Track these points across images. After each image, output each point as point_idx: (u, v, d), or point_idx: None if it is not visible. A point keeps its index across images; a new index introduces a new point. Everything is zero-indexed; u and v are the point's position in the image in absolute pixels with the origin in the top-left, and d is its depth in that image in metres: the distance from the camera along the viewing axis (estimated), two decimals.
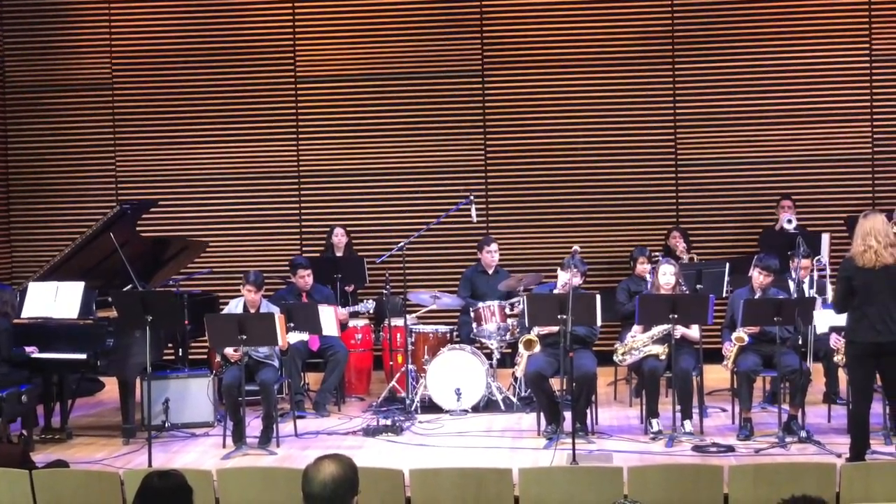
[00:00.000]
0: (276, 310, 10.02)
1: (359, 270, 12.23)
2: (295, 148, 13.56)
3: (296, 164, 13.56)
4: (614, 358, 10.10)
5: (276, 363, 10.07)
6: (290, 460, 9.10)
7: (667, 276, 9.94)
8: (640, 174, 13.26)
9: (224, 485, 7.69)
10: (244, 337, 9.42)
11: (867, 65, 13.04)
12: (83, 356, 9.89)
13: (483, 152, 13.40)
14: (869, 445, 8.54)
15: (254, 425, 9.94)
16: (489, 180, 13.38)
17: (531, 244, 13.27)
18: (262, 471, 8.21)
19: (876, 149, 13.06)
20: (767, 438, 9.36)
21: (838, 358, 9.77)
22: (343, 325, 11.43)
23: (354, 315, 11.73)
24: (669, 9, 13.19)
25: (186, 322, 10.72)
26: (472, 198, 11.71)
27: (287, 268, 11.88)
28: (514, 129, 13.35)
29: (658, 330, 9.78)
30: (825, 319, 9.57)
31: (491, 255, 11.84)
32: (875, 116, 13.07)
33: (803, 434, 9.31)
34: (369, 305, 11.67)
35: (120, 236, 10.36)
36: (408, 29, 13.39)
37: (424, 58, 13.39)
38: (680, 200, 13.24)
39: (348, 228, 12.86)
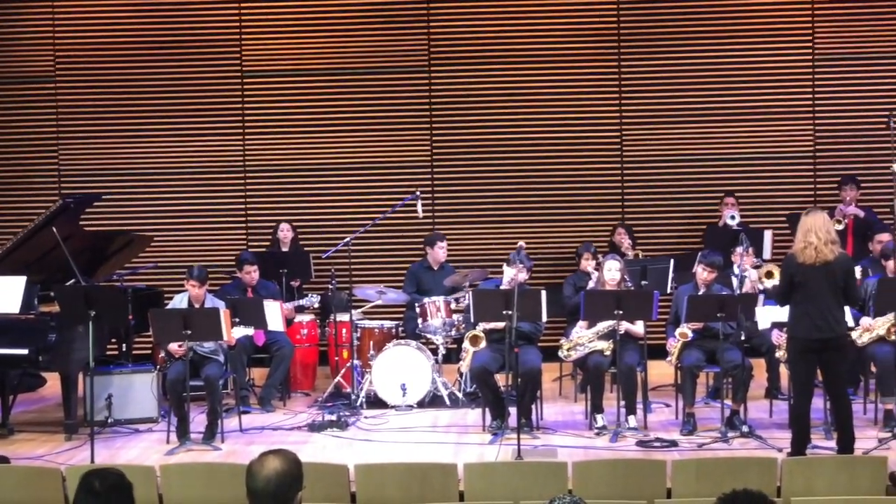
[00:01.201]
0: (221, 305, 9.98)
1: (304, 265, 12.21)
2: (241, 143, 13.50)
3: (242, 159, 13.50)
4: (560, 353, 10.14)
5: (221, 358, 10.03)
6: (235, 456, 9.07)
7: (612, 271, 9.99)
8: (585, 171, 13.31)
9: (167, 481, 7.66)
10: (189, 332, 9.38)
11: (810, 64, 13.16)
12: (25, 351, 9.79)
13: (429, 148, 13.41)
14: (810, 440, 8.64)
15: (198, 421, 9.90)
16: (435, 176, 13.39)
17: (477, 240, 13.29)
18: (206, 466, 8.19)
19: (818, 147, 13.20)
20: (710, 433, 9.44)
21: (780, 354, 9.88)
22: (289, 321, 11.40)
23: (300, 310, 11.71)
24: (615, 6, 13.25)
25: (130, 317, 10.65)
26: (418, 194, 11.71)
27: (233, 263, 11.83)
28: (460, 125, 13.37)
29: (603, 326, 9.83)
30: (767, 315, 9.65)
31: (441, 252, 11.87)
32: (817, 115, 13.20)
33: (745, 429, 9.40)
34: (314, 300, 11.64)
35: (63, 230, 10.26)
36: (354, 24, 13.36)
37: (371, 53, 13.37)
38: (625, 197, 13.32)
39: (294, 223, 12.82)
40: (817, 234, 8.40)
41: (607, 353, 9.76)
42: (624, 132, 13.29)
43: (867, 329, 9.67)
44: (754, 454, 8.66)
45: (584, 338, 9.91)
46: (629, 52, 13.26)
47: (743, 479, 6.89)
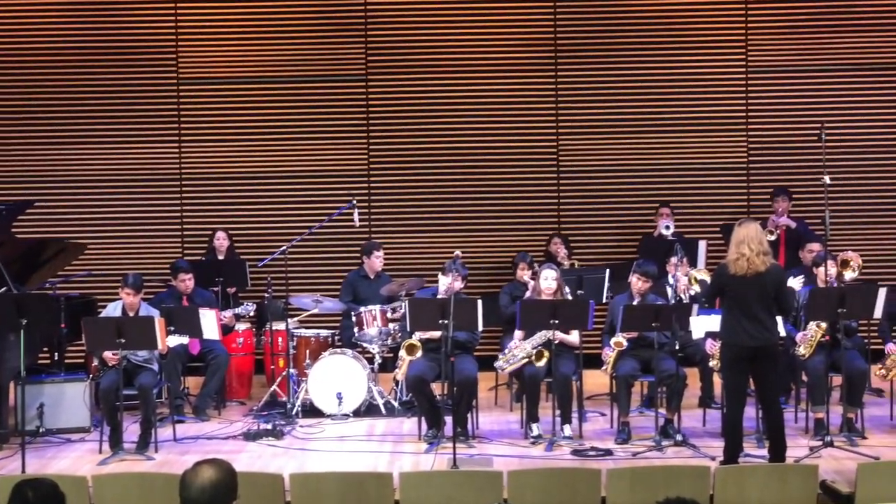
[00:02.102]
0: (155, 313, 9.91)
1: (240, 274, 12.16)
2: (177, 150, 13.41)
3: (178, 166, 13.41)
4: (495, 364, 10.16)
5: (156, 367, 9.95)
6: (169, 465, 9.00)
7: (548, 281, 10.02)
8: (522, 180, 13.36)
9: (99, 491, 7.58)
10: (122, 340, 9.29)
11: (743, 76, 13.31)
12: None
13: (366, 157, 13.39)
14: (742, 448, 8.72)
15: (131, 430, 9.81)
16: (372, 185, 13.38)
17: (413, 249, 13.29)
18: (140, 476, 8.12)
19: (751, 158, 13.34)
20: (644, 442, 9.50)
21: (713, 363, 9.96)
22: (225, 329, 11.33)
23: (236, 318, 11.64)
24: (552, 16, 13.32)
25: (63, 325, 10.55)
26: (354, 202, 11.71)
27: (168, 271, 11.74)
28: (397, 133, 13.37)
29: (539, 337, 9.86)
30: (701, 325, 9.73)
31: (378, 261, 11.86)
32: (750, 127, 13.34)
33: (679, 437, 9.46)
34: (250, 308, 11.59)
35: None
36: (292, 32, 13.32)
37: (308, 61, 13.34)
38: (561, 207, 13.38)
39: (230, 232, 12.76)
40: (749, 246, 8.49)
41: (539, 364, 9.77)
42: (560, 142, 13.36)
43: (802, 340, 9.78)
44: (688, 462, 8.72)
45: (521, 351, 9.92)
46: (566, 62, 13.33)
47: (676, 487, 6.94)
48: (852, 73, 13.22)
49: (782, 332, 9.18)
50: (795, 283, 9.97)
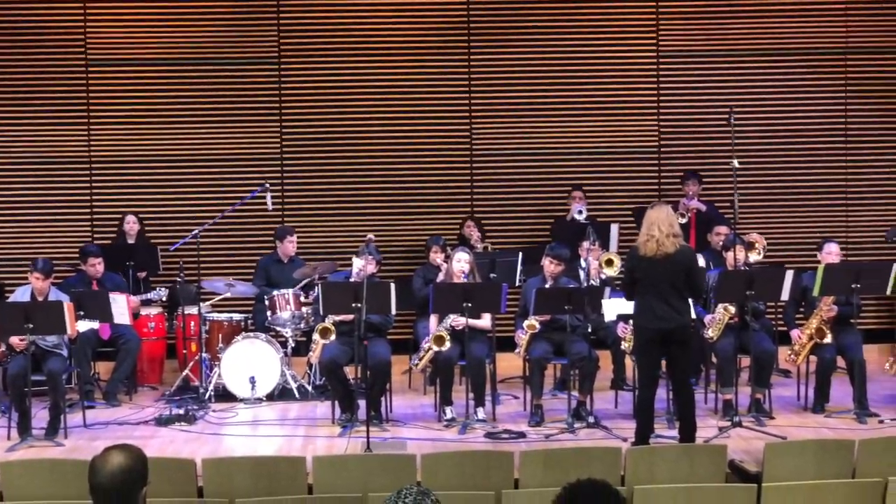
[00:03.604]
0: (65, 298, 9.78)
1: (151, 258, 12.04)
2: (86, 133, 13.20)
3: (87, 149, 13.21)
4: (411, 364, 10.24)
5: (65, 352, 9.84)
6: (79, 452, 8.90)
7: (460, 263, 10.05)
8: (435, 164, 13.36)
9: (8, 478, 7.49)
10: (31, 325, 9.17)
11: (654, 61, 13.42)
12: None
13: (279, 140, 13.31)
14: (653, 429, 8.82)
15: (40, 416, 9.68)
16: (285, 168, 13.30)
17: (326, 232, 13.24)
18: (49, 463, 8.02)
19: (662, 142, 13.46)
20: (557, 424, 9.57)
21: (625, 345, 10.07)
22: (135, 314, 11.22)
23: (147, 303, 11.54)
24: (465, 1, 13.31)
25: None
26: (267, 186, 11.64)
27: (77, 255, 11.59)
28: (310, 117, 13.30)
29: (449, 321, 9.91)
30: (613, 308, 9.82)
31: (291, 245, 11.82)
32: (662, 111, 13.45)
33: (591, 419, 9.56)
34: (161, 293, 11.49)
35: None
36: (204, 14, 13.18)
37: (221, 44, 13.20)
38: (474, 190, 13.40)
39: (141, 215, 12.61)
40: (660, 228, 8.57)
41: (440, 347, 9.79)
42: (473, 126, 13.38)
43: (711, 323, 9.92)
44: (600, 444, 8.81)
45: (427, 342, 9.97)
46: (479, 45, 13.34)
47: (588, 468, 7.02)
48: (761, 58, 13.38)
49: (693, 315, 9.29)
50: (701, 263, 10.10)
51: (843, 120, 13.48)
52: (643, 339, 8.75)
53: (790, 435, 9.11)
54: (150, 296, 11.48)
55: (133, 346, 10.96)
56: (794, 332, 10.25)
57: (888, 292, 10.30)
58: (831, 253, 10.30)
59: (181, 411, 10.12)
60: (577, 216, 12.31)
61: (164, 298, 11.65)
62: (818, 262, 10.26)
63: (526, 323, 9.96)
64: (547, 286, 10.05)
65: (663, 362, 9.00)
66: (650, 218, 8.65)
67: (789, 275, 9.91)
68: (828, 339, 9.97)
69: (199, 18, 13.16)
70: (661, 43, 13.41)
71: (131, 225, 12.39)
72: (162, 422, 9.91)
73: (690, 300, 8.86)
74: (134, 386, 11.31)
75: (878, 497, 7.38)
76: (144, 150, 13.19)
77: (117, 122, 13.18)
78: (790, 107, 13.44)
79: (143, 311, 11.61)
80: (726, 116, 10.38)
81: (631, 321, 9.54)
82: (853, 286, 9.78)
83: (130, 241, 12.35)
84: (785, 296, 10.00)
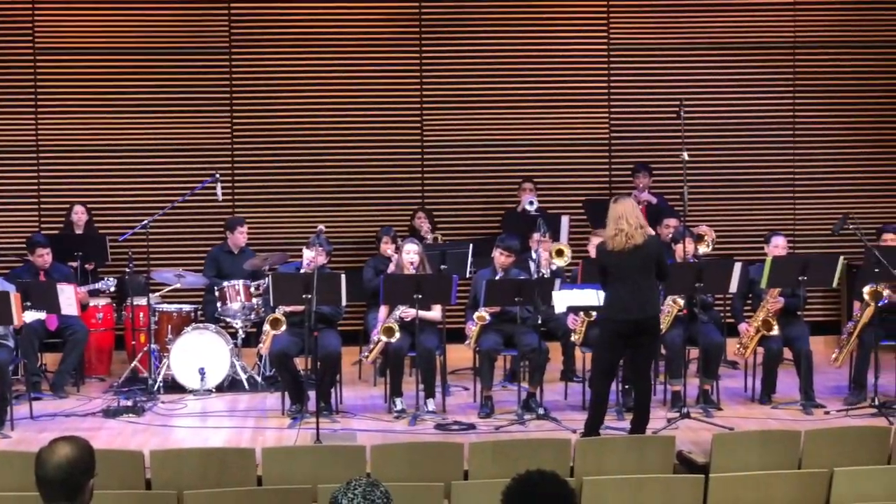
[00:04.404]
0: (11, 288, 9.69)
1: (100, 248, 11.96)
2: (33, 122, 13.06)
3: (34, 138, 13.07)
4: (361, 357, 10.23)
5: (11, 343, 9.76)
6: (26, 443, 8.81)
7: (411, 255, 10.04)
8: (386, 155, 13.34)
9: None
10: None
11: (605, 53, 13.46)
12: None
13: (230, 130, 13.24)
14: (603, 421, 8.86)
15: None
16: (235, 158, 13.24)
17: (277, 223, 13.19)
18: None
19: (613, 134, 13.52)
20: (507, 416, 9.60)
21: (575, 337, 10.11)
22: (83, 305, 11.14)
23: (95, 294, 11.46)
24: None
25: None
26: (217, 176, 11.58)
27: (24, 245, 11.47)
28: (261, 107, 13.24)
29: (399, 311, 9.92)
30: (563, 300, 9.85)
31: (242, 236, 11.77)
32: (612, 103, 13.50)
33: (541, 411, 9.58)
34: (110, 283, 11.41)
35: None
36: (154, 3, 13.07)
37: (171, 33, 13.10)
38: (425, 181, 13.40)
39: (89, 205, 12.52)
40: (628, 220, 8.61)
41: (390, 338, 9.79)
42: (424, 117, 13.37)
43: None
44: (549, 436, 8.84)
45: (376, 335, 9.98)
46: (430, 37, 13.33)
47: (537, 459, 7.01)
48: (711, 52, 13.46)
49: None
50: None
51: (790, 114, 13.60)
52: (610, 331, 8.75)
53: (737, 426, 9.19)
54: (98, 286, 11.39)
55: (81, 338, 10.88)
56: (742, 326, 10.33)
57: (834, 285, 10.42)
58: (778, 246, 10.39)
59: (129, 403, 10.06)
60: (527, 207, 12.34)
61: (112, 289, 11.57)
62: (766, 254, 10.35)
63: (476, 314, 9.98)
64: (497, 278, 10.07)
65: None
66: (617, 212, 8.67)
67: (737, 267, 9.98)
68: (775, 331, 10.06)
69: (150, 7, 13.05)
70: (611, 36, 13.45)
71: (79, 215, 12.30)
72: (110, 413, 9.85)
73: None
74: (81, 377, 11.23)
75: (824, 487, 7.46)
76: (93, 140, 13.08)
77: (65, 111, 13.06)
78: (739, 100, 13.53)
79: (92, 302, 11.53)
80: (676, 109, 10.42)
81: (582, 314, 9.60)
82: (800, 278, 9.88)
83: (78, 231, 12.26)
84: (733, 288, 10.08)
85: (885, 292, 9.98)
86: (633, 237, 8.59)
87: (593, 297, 9.38)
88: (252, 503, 7.25)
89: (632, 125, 13.49)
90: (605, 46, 13.45)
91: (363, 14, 13.25)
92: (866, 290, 10.02)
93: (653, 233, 8.88)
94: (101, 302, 11.72)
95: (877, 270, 9.80)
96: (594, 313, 9.65)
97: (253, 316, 11.11)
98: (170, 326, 11.13)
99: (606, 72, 13.47)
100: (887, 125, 13.66)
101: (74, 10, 13.03)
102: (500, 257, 10.15)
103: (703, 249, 10.54)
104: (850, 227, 10.28)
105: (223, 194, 11.77)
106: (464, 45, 13.34)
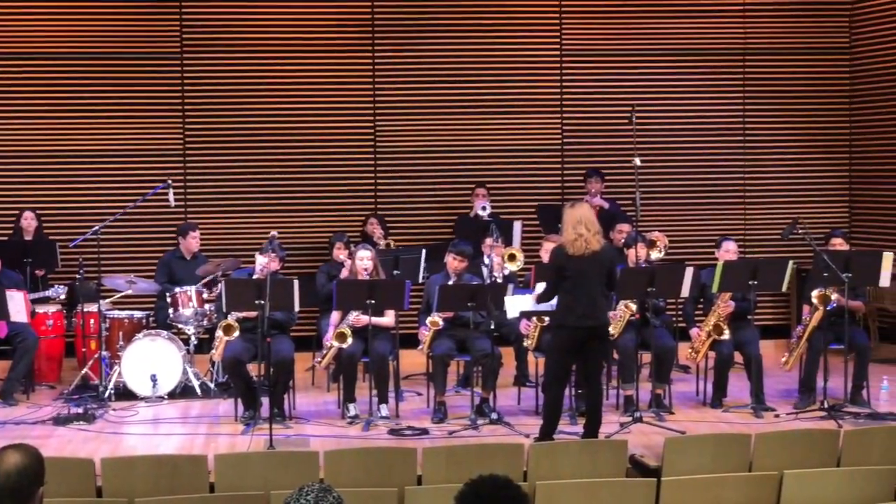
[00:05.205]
0: None
1: (50, 255, 11.86)
2: None
3: None
4: (314, 362, 10.21)
5: None
6: None
7: (364, 261, 10.03)
8: (339, 160, 13.32)
9: None
10: None
11: (557, 60, 13.51)
12: None
13: (181, 136, 13.18)
14: (557, 426, 8.89)
15: None
16: (187, 164, 13.18)
17: (230, 229, 13.14)
18: None
19: (565, 140, 13.56)
20: (460, 421, 9.60)
21: (528, 342, 10.14)
22: (33, 312, 11.04)
23: (44, 301, 11.36)
24: None
25: None
26: (169, 182, 11.51)
27: None
28: (213, 113, 13.19)
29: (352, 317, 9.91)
30: (516, 304, 9.87)
31: (195, 241, 11.72)
32: (565, 109, 13.56)
33: (494, 416, 9.60)
34: (60, 290, 11.32)
35: None
36: (106, 9, 12.98)
37: (122, 39, 13.02)
38: (378, 187, 13.40)
39: (39, 212, 12.42)
40: (587, 226, 8.64)
41: (342, 343, 9.79)
42: (377, 123, 13.37)
43: (612, 320, 10.02)
44: (502, 440, 8.85)
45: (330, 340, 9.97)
46: (382, 42, 13.33)
47: (491, 464, 7.05)
48: (662, 57, 13.55)
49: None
50: None
51: (741, 119, 13.71)
52: (566, 338, 8.76)
53: (689, 429, 9.25)
54: (48, 293, 11.30)
55: (30, 345, 10.79)
56: (694, 331, 10.40)
57: (784, 289, 10.50)
58: (729, 251, 10.47)
59: (80, 410, 9.98)
60: (480, 213, 12.36)
61: (62, 296, 11.48)
62: (717, 259, 10.42)
63: (429, 320, 9.99)
64: (450, 283, 10.08)
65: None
66: (575, 216, 8.68)
67: (689, 272, 10.05)
68: (726, 336, 10.13)
69: (101, 13, 12.97)
70: (564, 41, 13.51)
71: (29, 221, 12.20)
72: (60, 421, 9.77)
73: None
74: (31, 385, 11.13)
75: (774, 490, 7.51)
76: (44, 146, 12.98)
77: (15, 117, 12.96)
78: (690, 106, 13.63)
79: (41, 309, 11.42)
80: (628, 115, 10.48)
81: (535, 319, 9.62)
82: (750, 283, 9.95)
83: (28, 237, 12.16)
84: (685, 292, 10.14)
85: (834, 296, 10.07)
86: (591, 243, 8.62)
87: (531, 301, 9.38)
88: None
89: (584, 130, 13.55)
90: (557, 52, 13.50)
91: (315, 19, 13.23)
92: (815, 294, 10.11)
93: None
94: (52, 309, 11.62)
95: (825, 275, 9.90)
96: (547, 318, 9.67)
97: (205, 322, 11.06)
98: (121, 333, 11.06)
99: (559, 77, 13.52)
100: (835, 130, 13.81)
101: (24, 15, 12.92)
102: (452, 262, 10.16)
103: (655, 255, 10.60)
104: (799, 231, 10.37)
105: (175, 200, 11.71)
106: (416, 50, 13.35)
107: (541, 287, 9.25)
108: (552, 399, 8.85)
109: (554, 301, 8.91)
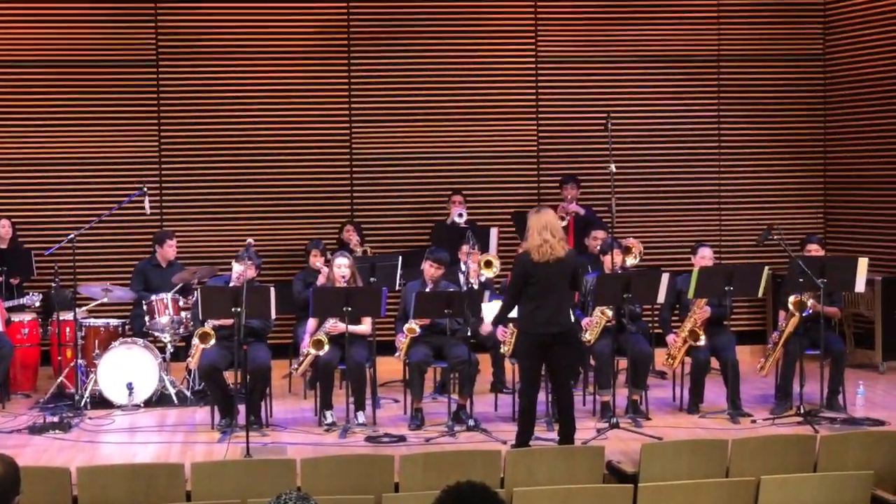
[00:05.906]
0: None
1: (25, 263, 11.82)
2: None
3: None
4: (291, 370, 10.20)
5: None
6: None
7: (341, 268, 10.02)
8: (315, 168, 13.31)
9: None
10: None
11: (533, 66, 13.54)
12: None
13: (157, 143, 13.14)
14: (533, 432, 8.89)
15: None
16: (163, 172, 13.14)
17: (205, 237, 13.11)
18: None
19: (541, 147, 13.59)
20: (438, 427, 9.61)
21: (504, 349, 10.14)
22: (8, 320, 10.99)
23: (19, 309, 11.31)
24: (346, 5, 13.30)
25: None
26: (145, 189, 11.48)
27: None
28: (189, 120, 13.16)
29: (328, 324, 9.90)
30: (492, 311, 9.87)
31: (171, 249, 11.69)
32: (540, 116, 13.58)
33: (471, 423, 9.60)
34: (35, 298, 11.27)
35: None
36: (80, 15, 12.95)
37: (97, 45, 12.98)
38: (354, 194, 13.39)
39: (14, 219, 12.36)
40: (552, 232, 8.64)
41: (318, 350, 9.78)
42: (353, 130, 13.37)
43: (588, 326, 10.05)
44: (480, 447, 8.86)
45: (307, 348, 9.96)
46: (359, 50, 13.33)
47: (468, 471, 7.05)
48: (637, 64, 13.59)
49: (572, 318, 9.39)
50: None
51: (716, 126, 13.76)
52: (529, 343, 8.78)
53: (666, 435, 9.26)
54: (23, 301, 11.25)
55: (6, 353, 10.73)
56: (670, 337, 10.42)
57: (759, 294, 10.53)
58: (705, 257, 10.50)
59: (56, 419, 9.94)
60: (456, 220, 12.37)
61: (37, 304, 11.43)
62: (692, 265, 10.46)
63: (406, 327, 9.99)
64: (427, 290, 10.09)
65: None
66: (541, 222, 8.68)
67: (665, 278, 10.07)
68: (702, 341, 10.16)
69: (76, 20, 12.93)
70: (539, 48, 13.54)
71: (5, 229, 12.15)
72: (36, 430, 9.72)
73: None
74: (6, 394, 11.07)
75: (751, 495, 7.53)
76: (19, 153, 12.93)
77: None
78: (665, 113, 13.68)
79: (17, 318, 11.38)
80: (604, 122, 10.51)
81: (511, 325, 9.62)
82: (726, 288, 9.99)
83: (3, 245, 12.11)
84: (661, 298, 10.16)
85: (810, 302, 10.12)
86: (556, 249, 8.63)
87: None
88: None
89: (560, 137, 13.58)
90: (532, 59, 13.53)
91: (292, 26, 13.23)
92: (791, 299, 10.16)
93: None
94: (27, 317, 11.57)
95: (801, 280, 9.94)
96: None
97: (181, 330, 11.03)
98: (97, 341, 11.02)
99: (534, 84, 13.55)
100: (810, 136, 13.88)
101: None
102: (429, 269, 10.17)
103: (630, 261, 10.62)
104: (775, 237, 10.41)
105: (151, 208, 11.69)
106: (392, 58, 13.36)
107: (496, 305, 9.28)
108: (526, 404, 8.86)
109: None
